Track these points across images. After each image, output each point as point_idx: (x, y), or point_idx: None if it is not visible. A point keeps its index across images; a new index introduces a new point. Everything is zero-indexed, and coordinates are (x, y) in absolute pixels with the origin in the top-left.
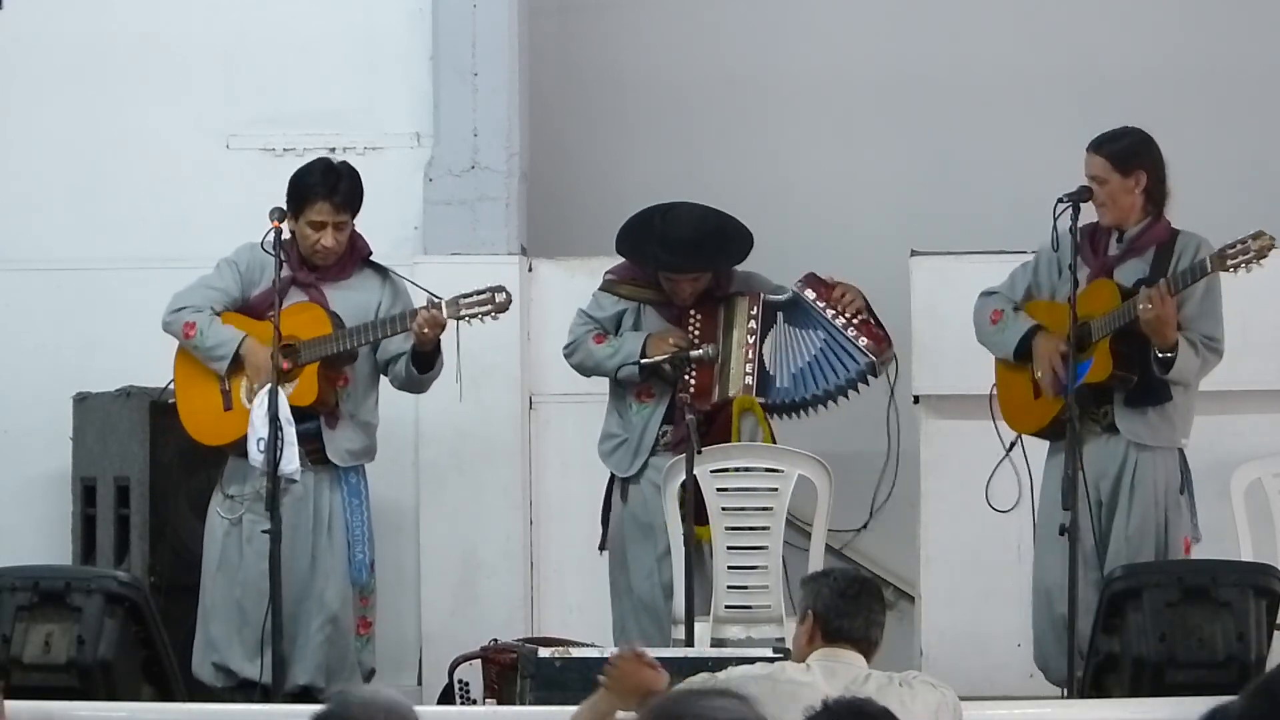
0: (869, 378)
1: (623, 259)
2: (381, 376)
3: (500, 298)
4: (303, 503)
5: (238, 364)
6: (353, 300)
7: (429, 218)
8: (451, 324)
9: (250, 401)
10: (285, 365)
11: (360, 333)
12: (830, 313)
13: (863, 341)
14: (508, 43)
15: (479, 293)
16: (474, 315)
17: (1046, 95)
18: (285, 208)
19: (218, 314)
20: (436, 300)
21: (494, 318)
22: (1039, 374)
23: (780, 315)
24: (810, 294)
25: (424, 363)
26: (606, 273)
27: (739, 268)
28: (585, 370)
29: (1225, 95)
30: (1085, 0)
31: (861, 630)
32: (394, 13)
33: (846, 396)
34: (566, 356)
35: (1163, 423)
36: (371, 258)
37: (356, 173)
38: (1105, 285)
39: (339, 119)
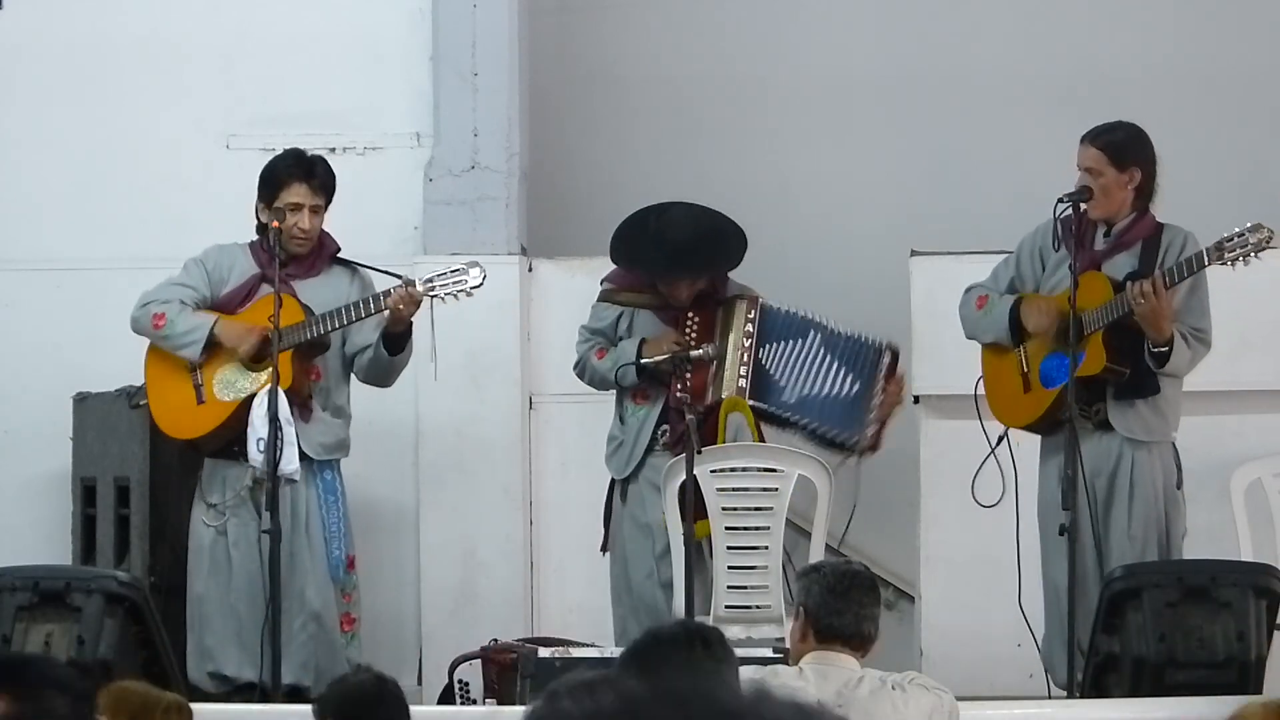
0: (839, 451)
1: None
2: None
3: (474, 273)
4: (281, 503)
5: (210, 352)
6: (322, 295)
7: (429, 218)
8: (424, 303)
9: (224, 393)
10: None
11: (334, 317)
12: (878, 385)
13: (870, 430)
14: (508, 43)
15: (453, 270)
16: (449, 292)
17: (1046, 95)
18: (259, 200)
19: (188, 306)
20: (410, 280)
21: (468, 294)
22: (1031, 324)
23: (818, 336)
24: (887, 359)
25: (394, 345)
26: (603, 280)
27: (736, 279)
28: (595, 385)
29: (1225, 95)
30: (1085, 0)
31: (852, 626)
32: (394, 13)
33: (822, 445)
34: (578, 376)
35: (1155, 416)
36: (339, 254)
37: (329, 164)
38: (1097, 278)
39: (339, 119)
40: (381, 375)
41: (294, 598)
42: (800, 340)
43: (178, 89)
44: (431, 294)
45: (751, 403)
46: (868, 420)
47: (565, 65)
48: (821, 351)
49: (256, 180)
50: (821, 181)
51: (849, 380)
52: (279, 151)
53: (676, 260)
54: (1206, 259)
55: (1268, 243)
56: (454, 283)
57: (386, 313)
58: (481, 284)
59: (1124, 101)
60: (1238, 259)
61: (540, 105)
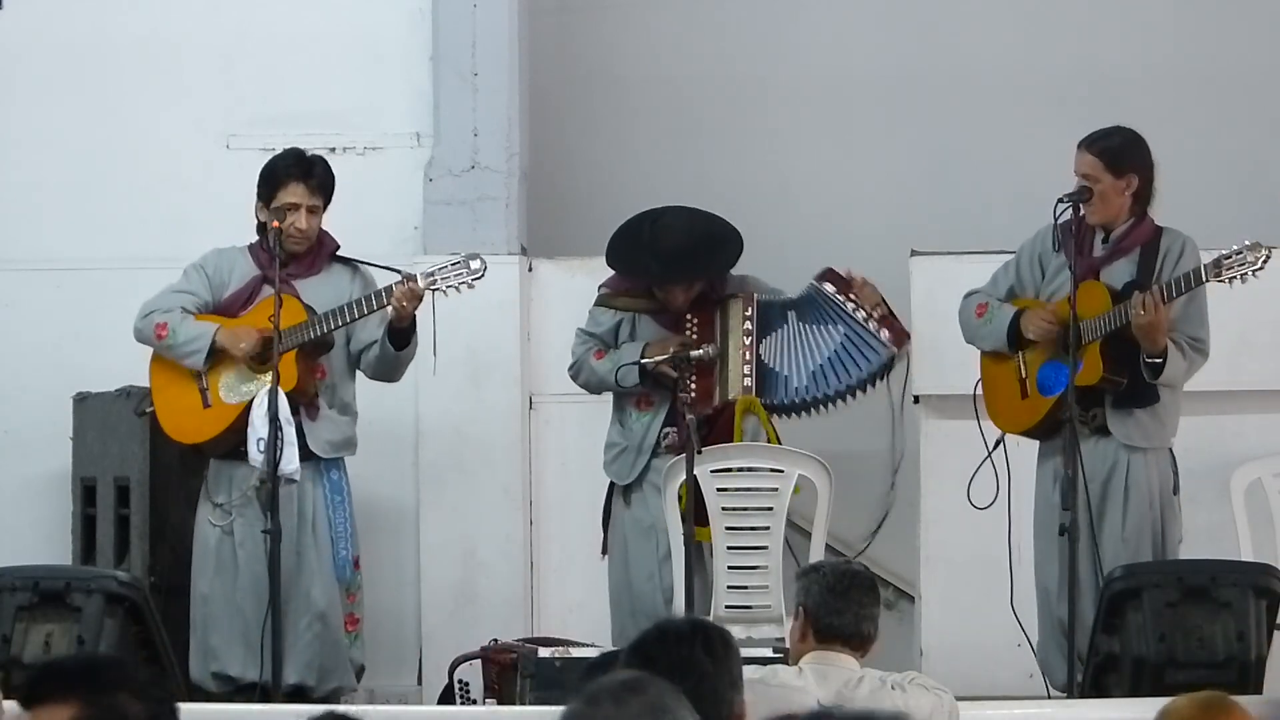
0: (887, 372)
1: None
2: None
3: (475, 264)
4: (287, 503)
5: (214, 359)
6: (323, 294)
7: (429, 218)
8: (427, 297)
9: (229, 396)
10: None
11: (336, 315)
12: (850, 305)
13: (884, 334)
14: (508, 43)
15: (454, 263)
16: (450, 285)
17: (1046, 95)
18: (258, 199)
19: (190, 314)
20: (411, 274)
21: (470, 286)
22: (1032, 333)
23: (793, 314)
24: (829, 288)
25: (400, 340)
26: (600, 286)
27: (734, 271)
28: (591, 388)
29: (1224, 96)
30: (1086, 0)
31: (852, 626)
32: (394, 13)
33: (867, 389)
34: (573, 378)
35: (1153, 423)
36: (339, 252)
37: (329, 165)
38: (1095, 287)
39: (339, 119)
40: (388, 370)
41: (300, 597)
42: (783, 325)
43: (178, 89)
44: (434, 288)
45: (766, 400)
46: (875, 334)
47: (565, 65)
48: (800, 325)
49: (256, 180)
50: (821, 181)
51: (829, 330)
52: (279, 151)
53: (672, 267)
54: (1205, 276)
55: (1265, 261)
56: (455, 275)
57: (390, 309)
58: (483, 274)
59: (1124, 102)
60: (1235, 277)
61: (540, 105)
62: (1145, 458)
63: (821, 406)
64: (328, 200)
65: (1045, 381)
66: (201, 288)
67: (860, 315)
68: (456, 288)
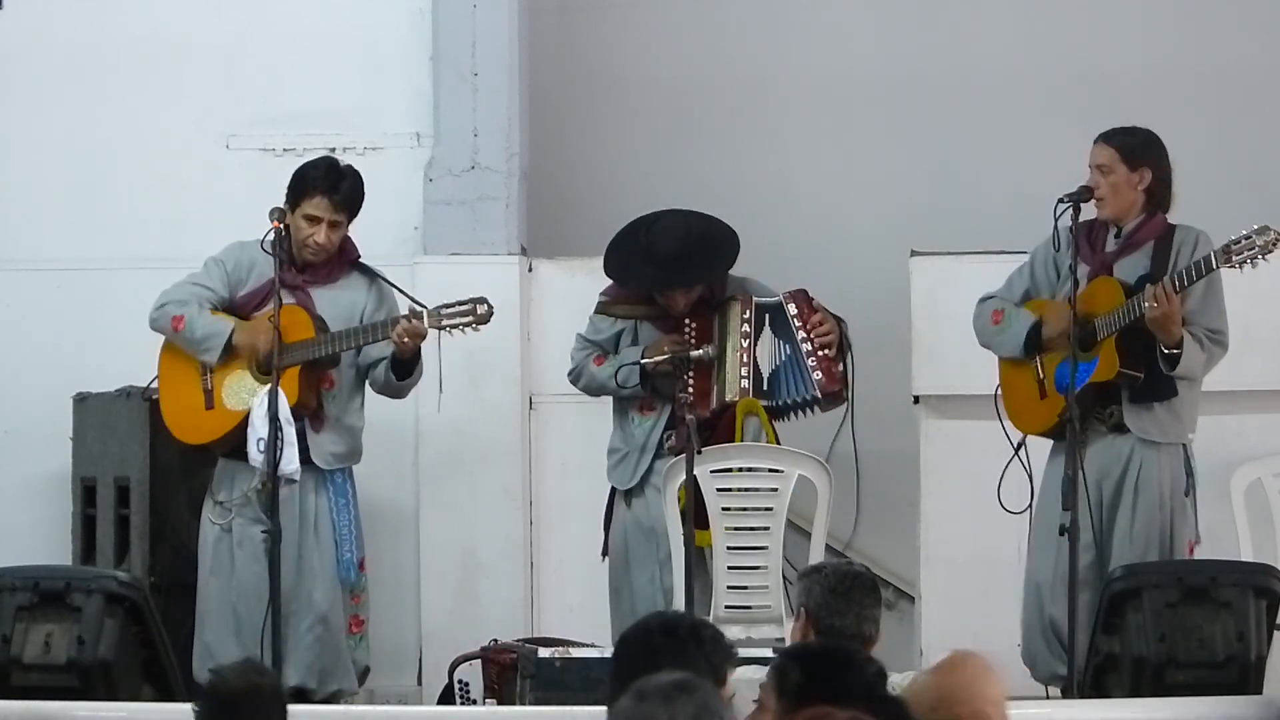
0: (816, 409)
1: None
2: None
3: (481, 309)
4: (289, 505)
5: (227, 358)
6: (339, 302)
7: (429, 218)
8: (433, 333)
9: (232, 401)
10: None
11: (342, 338)
12: (800, 334)
13: (817, 375)
14: (508, 43)
15: (461, 303)
16: (455, 326)
17: (1046, 95)
18: (285, 201)
19: (206, 308)
20: (419, 310)
21: (475, 329)
22: (1054, 334)
23: (767, 318)
24: (792, 308)
25: (403, 370)
26: (600, 294)
27: (733, 273)
28: (592, 392)
29: (1225, 95)
30: (1086, 0)
31: (854, 627)
32: (394, 13)
33: (803, 414)
34: (572, 383)
35: (1170, 418)
36: (360, 260)
37: (360, 178)
38: (1107, 283)
39: (339, 119)
40: (392, 392)
41: (301, 600)
42: (761, 328)
43: (178, 89)
44: (440, 326)
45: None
46: (809, 370)
47: (565, 65)
48: (768, 330)
49: (257, 179)
50: (821, 181)
51: (783, 345)
52: (279, 151)
53: (670, 273)
54: (1215, 262)
55: (1275, 245)
56: (461, 318)
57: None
58: (489, 319)
59: (1124, 101)
60: (1245, 262)
61: (540, 105)
62: (1159, 455)
63: (786, 414)
64: (354, 214)
65: (1062, 380)
66: (219, 283)
67: (806, 347)
68: (462, 329)
